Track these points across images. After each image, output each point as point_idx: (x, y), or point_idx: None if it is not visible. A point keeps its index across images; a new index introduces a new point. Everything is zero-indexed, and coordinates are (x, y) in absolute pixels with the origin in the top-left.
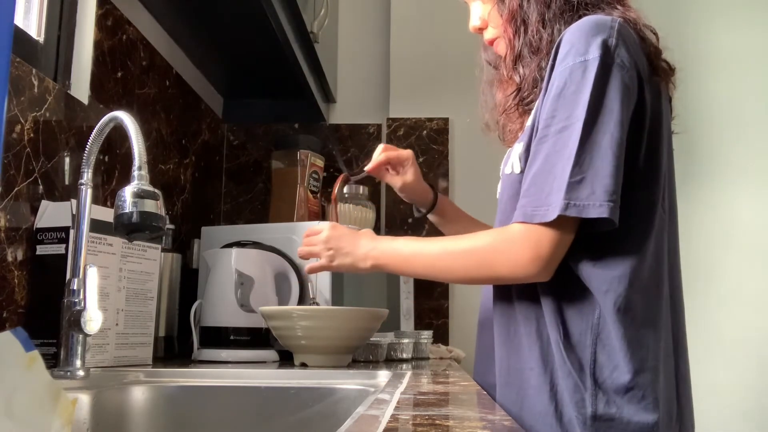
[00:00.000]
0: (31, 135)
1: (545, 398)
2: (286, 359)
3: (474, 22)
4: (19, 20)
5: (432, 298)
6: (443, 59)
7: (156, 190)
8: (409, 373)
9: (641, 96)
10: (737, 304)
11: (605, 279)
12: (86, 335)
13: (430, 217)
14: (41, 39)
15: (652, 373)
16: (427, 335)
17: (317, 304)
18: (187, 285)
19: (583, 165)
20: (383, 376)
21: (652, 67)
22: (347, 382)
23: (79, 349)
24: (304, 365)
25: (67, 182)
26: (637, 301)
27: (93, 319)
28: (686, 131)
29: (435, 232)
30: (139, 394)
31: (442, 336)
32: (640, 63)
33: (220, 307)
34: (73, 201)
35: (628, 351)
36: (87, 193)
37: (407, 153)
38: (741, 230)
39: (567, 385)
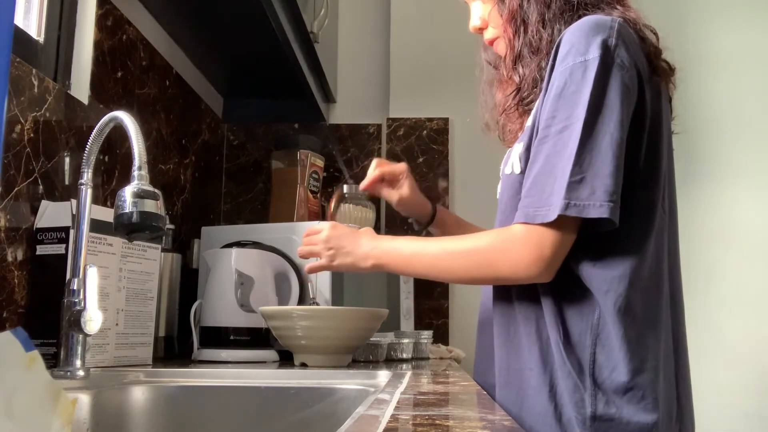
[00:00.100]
0: (31, 135)
1: (545, 398)
2: (286, 359)
3: (474, 22)
4: (19, 20)
5: (432, 298)
6: (443, 59)
7: (156, 190)
8: (409, 373)
9: (641, 96)
10: (737, 304)
11: (605, 279)
12: (86, 335)
13: (431, 229)
14: (41, 39)
15: (652, 373)
16: (427, 335)
17: (317, 304)
18: (187, 285)
19: (583, 165)
20: (383, 376)
21: (652, 67)
22: (347, 382)
23: (79, 349)
24: (304, 365)
25: (67, 182)
26: (637, 302)
27: (93, 319)
28: (686, 131)
29: None
30: (139, 394)
31: (442, 336)
32: (640, 63)
33: (220, 307)
34: (73, 201)
35: (628, 351)
36: (87, 193)
37: (401, 167)
38: (741, 230)
39: (566, 385)
